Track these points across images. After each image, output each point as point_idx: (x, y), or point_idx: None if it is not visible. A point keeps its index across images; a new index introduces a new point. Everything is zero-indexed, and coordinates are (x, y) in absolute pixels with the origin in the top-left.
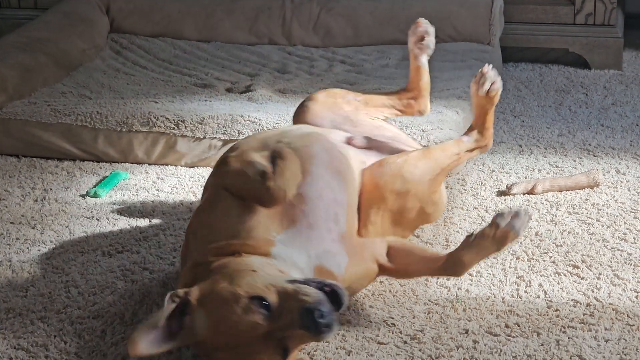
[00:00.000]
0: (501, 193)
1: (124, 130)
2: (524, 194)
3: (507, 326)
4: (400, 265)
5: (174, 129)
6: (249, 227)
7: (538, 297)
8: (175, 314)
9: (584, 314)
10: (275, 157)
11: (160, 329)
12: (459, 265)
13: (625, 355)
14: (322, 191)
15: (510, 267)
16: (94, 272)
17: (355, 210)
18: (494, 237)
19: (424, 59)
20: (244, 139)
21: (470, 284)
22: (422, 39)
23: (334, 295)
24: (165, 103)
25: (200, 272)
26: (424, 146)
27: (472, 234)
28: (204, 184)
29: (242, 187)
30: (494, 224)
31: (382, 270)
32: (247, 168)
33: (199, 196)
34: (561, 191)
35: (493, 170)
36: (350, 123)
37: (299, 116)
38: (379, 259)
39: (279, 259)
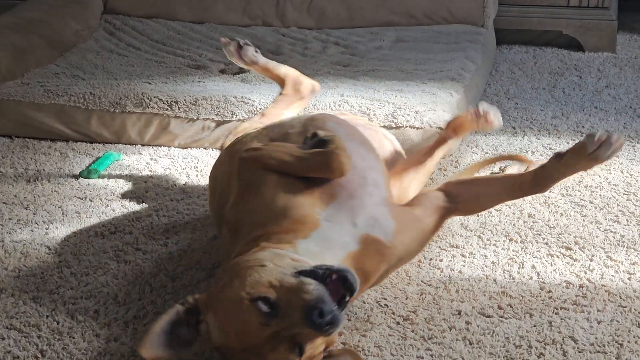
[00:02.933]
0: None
1: (117, 111)
2: None
3: (499, 307)
4: (469, 200)
5: (167, 109)
6: (295, 204)
7: (531, 278)
8: (191, 321)
9: (576, 296)
10: (316, 136)
11: (162, 334)
12: (549, 180)
13: (617, 336)
14: (355, 163)
15: (503, 249)
16: (86, 252)
17: (387, 176)
18: (586, 157)
19: (255, 60)
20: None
21: (463, 266)
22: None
23: (344, 281)
24: (158, 84)
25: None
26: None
27: (561, 152)
28: (211, 175)
29: (297, 163)
30: (584, 146)
31: (449, 213)
32: (302, 141)
33: (192, 177)
34: None
35: (486, 152)
36: None
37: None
38: (441, 204)
39: (319, 239)
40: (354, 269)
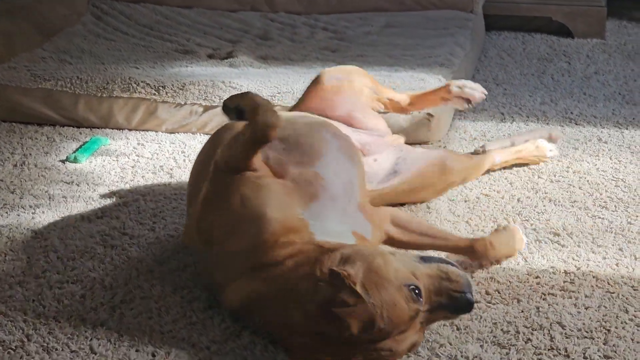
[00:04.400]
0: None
1: (105, 95)
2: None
3: (487, 293)
4: (411, 237)
5: (154, 94)
6: (278, 207)
7: (518, 264)
8: None
9: (564, 281)
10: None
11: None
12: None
13: (605, 322)
14: (337, 171)
15: None
16: (73, 237)
17: (364, 184)
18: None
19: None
20: None
21: None
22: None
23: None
24: (146, 69)
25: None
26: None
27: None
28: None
29: (237, 145)
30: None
31: (391, 240)
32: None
33: (179, 162)
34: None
35: (475, 138)
36: (361, 112)
37: (316, 92)
38: (388, 230)
39: (321, 234)
40: None
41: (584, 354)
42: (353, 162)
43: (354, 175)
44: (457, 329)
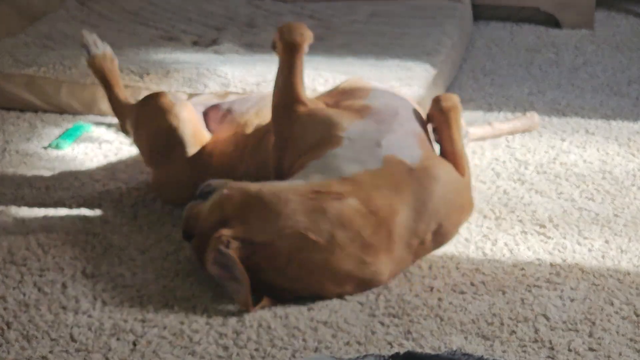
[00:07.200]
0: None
1: (88, 82)
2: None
3: (472, 284)
4: None
5: (138, 81)
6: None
7: (504, 255)
8: None
9: (549, 273)
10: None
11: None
12: None
13: (590, 314)
14: (387, 101)
15: (476, 226)
16: (54, 224)
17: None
18: None
19: None
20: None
21: None
22: None
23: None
24: (130, 55)
25: None
26: None
27: None
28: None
29: (279, 78)
30: None
31: None
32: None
33: None
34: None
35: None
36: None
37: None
38: None
39: (347, 149)
40: (370, 184)
41: (569, 346)
42: (401, 98)
43: (408, 107)
44: (441, 320)
